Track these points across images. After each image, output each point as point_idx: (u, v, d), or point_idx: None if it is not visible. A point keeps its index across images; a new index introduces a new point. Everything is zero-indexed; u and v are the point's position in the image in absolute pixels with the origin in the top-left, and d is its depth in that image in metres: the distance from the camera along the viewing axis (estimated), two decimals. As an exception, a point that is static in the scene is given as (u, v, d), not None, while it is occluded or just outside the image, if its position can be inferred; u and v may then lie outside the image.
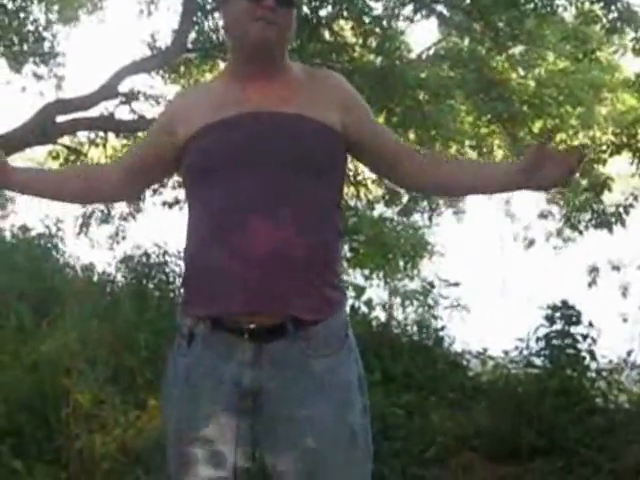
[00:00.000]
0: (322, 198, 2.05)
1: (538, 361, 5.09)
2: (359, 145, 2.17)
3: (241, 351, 1.99)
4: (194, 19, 9.60)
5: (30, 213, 12.44)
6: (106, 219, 11.97)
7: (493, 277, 12.77)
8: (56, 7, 12.78)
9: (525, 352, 5.23)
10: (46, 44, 10.46)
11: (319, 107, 2.09)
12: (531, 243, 13.48)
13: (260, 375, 1.99)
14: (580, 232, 11.16)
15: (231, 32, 2.17)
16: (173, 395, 2.13)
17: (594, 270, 10.60)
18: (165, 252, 9.04)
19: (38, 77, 11.90)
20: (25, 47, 9.72)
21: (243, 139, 2.03)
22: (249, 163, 2.00)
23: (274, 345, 1.98)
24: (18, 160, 12.65)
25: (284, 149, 2.01)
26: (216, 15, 9.49)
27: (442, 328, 6.89)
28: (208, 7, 9.69)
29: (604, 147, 9.09)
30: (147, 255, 9.02)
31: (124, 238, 11.85)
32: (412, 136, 11.12)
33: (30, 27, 10.25)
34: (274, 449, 2.01)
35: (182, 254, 2.20)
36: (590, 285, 10.46)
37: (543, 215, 12.55)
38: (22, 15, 10.19)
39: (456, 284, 7.40)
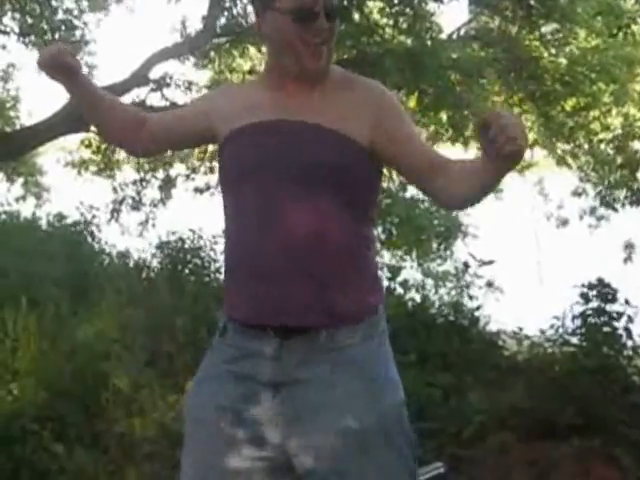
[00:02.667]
0: (329, 209, 1.98)
1: (574, 339, 5.06)
2: (390, 160, 2.07)
3: (266, 345, 1.99)
4: (223, 4, 9.59)
5: (65, 201, 12.55)
6: (137, 206, 12.02)
7: (528, 256, 12.72)
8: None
9: (561, 331, 5.20)
10: (77, 32, 10.48)
11: (346, 119, 2.00)
12: (565, 222, 13.37)
13: (282, 368, 1.99)
14: (615, 209, 11.08)
15: (276, 46, 2.06)
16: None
17: (629, 246, 10.52)
18: (200, 237, 9.09)
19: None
20: (57, 36, 9.74)
21: (264, 146, 2.02)
22: (269, 169, 1.99)
23: (296, 339, 1.99)
24: (51, 149, 12.76)
25: (292, 159, 1.98)
26: (245, 0, 9.46)
27: (477, 308, 6.85)
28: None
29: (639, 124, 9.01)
30: (182, 240, 9.08)
31: (154, 225, 11.89)
32: (444, 117, 11.07)
33: (62, 16, 10.29)
34: (300, 434, 1.99)
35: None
36: (625, 261, 10.38)
37: (577, 193, 12.42)
38: (54, 4, 10.24)
39: (490, 262, 7.34)
